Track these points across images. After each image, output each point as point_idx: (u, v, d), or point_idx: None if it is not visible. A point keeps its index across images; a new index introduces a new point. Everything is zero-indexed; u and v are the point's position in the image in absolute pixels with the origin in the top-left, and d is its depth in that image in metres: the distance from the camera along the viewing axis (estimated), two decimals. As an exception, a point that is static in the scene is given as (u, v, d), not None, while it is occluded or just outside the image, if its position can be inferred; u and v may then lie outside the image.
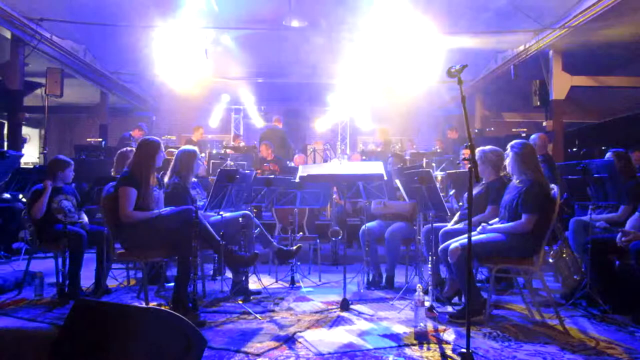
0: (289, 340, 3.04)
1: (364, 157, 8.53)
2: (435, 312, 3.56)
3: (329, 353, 2.82)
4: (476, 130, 11.45)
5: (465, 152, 7.02)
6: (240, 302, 3.88)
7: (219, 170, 4.06)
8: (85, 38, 9.46)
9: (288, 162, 8.25)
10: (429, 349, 2.92)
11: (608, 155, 4.33)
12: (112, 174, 4.95)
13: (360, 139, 14.31)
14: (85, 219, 4.47)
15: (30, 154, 12.17)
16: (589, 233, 3.87)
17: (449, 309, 3.77)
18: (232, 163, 7.01)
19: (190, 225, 3.52)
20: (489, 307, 3.49)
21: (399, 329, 3.30)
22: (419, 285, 3.28)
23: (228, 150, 8.72)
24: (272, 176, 5.75)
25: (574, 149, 13.40)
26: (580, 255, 4.06)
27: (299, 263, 4.76)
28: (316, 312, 3.71)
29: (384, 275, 4.62)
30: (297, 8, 8.89)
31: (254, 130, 13.60)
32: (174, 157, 4.28)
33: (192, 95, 12.85)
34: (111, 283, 4.51)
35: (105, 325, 2.02)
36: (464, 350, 2.62)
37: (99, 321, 2.04)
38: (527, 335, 3.16)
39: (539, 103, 9.10)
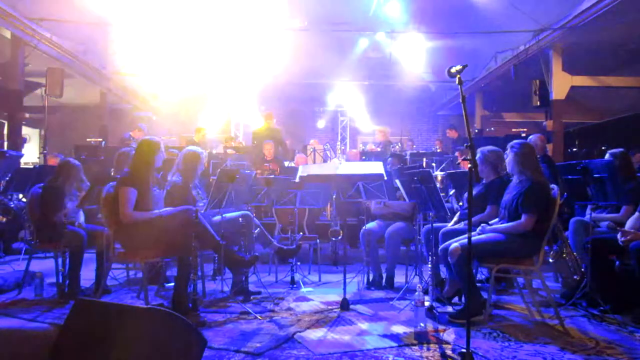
0: (289, 340, 3.04)
1: (363, 157, 8.52)
2: (435, 312, 3.56)
3: (329, 353, 2.82)
4: (476, 130, 11.46)
5: (458, 154, 7.04)
6: (241, 302, 3.88)
7: (219, 170, 4.06)
8: (85, 38, 9.46)
9: (286, 163, 8.22)
10: (429, 349, 2.92)
11: (607, 156, 4.32)
12: (112, 174, 4.94)
13: (360, 139, 14.32)
14: (81, 218, 4.46)
15: (30, 154, 12.16)
16: (589, 233, 3.87)
17: (449, 309, 3.76)
18: (231, 164, 7.00)
19: (190, 225, 3.52)
20: (489, 307, 3.49)
21: (399, 329, 3.30)
22: (419, 285, 3.28)
23: (229, 151, 8.72)
24: (272, 176, 5.75)
25: (574, 149, 13.41)
26: (580, 255, 4.06)
27: (299, 263, 4.76)
28: (316, 312, 3.71)
29: (384, 275, 4.61)
30: (297, 8, 8.90)
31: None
32: (178, 156, 4.28)
33: (192, 95, 12.85)
34: (111, 283, 4.51)
35: (105, 325, 2.02)
36: (464, 350, 2.62)
37: (99, 321, 2.04)
38: (527, 335, 3.16)
39: (539, 103, 9.10)
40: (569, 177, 4.13)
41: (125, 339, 1.96)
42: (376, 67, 11.74)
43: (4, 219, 5.74)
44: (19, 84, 8.17)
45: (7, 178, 5.76)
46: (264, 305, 3.87)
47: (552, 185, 3.47)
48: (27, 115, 8.75)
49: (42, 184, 4.45)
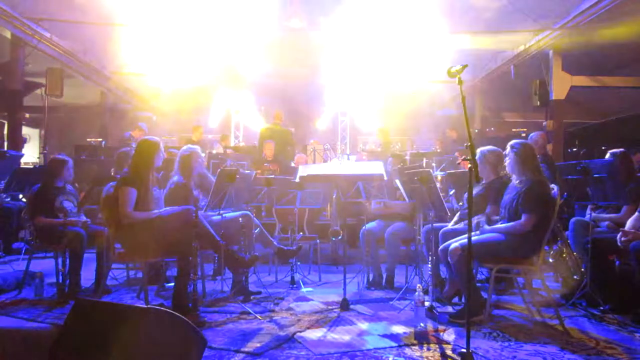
0: (289, 340, 3.04)
1: (364, 157, 8.52)
2: (435, 312, 3.56)
3: (329, 353, 2.82)
4: (476, 130, 11.46)
5: (458, 154, 7.04)
6: (241, 302, 3.88)
7: (219, 170, 4.06)
8: (85, 38, 9.47)
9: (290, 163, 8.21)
10: (429, 349, 2.92)
11: (608, 155, 4.32)
12: (112, 174, 4.94)
13: (360, 139, 14.30)
14: (83, 218, 4.46)
15: (30, 154, 12.16)
16: (589, 233, 3.87)
17: (449, 309, 3.77)
18: (231, 164, 6.99)
19: (190, 226, 3.52)
20: (489, 307, 3.49)
21: (399, 329, 3.30)
22: (419, 285, 3.28)
23: (228, 150, 8.71)
24: (272, 176, 5.75)
25: (574, 149, 13.40)
26: (580, 255, 4.05)
27: (299, 263, 4.76)
28: (316, 312, 3.71)
29: (384, 275, 4.61)
30: (297, 8, 8.89)
31: (254, 131, 13.57)
32: (177, 157, 4.29)
33: (192, 95, 12.85)
34: (111, 283, 4.51)
35: (105, 325, 2.02)
36: (464, 350, 2.62)
37: (99, 321, 2.04)
38: (527, 335, 3.16)
39: (539, 103, 9.10)
40: (569, 177, 4.13)
41: (125, 339, 1.96)
42: (376, 67, 11.72)
43: None
44: (19, 84, 8.17)
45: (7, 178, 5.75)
46: (264, 305, 3.87)
47: (552, 185, 3.47)
48: (27, 115, 8.75)
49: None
